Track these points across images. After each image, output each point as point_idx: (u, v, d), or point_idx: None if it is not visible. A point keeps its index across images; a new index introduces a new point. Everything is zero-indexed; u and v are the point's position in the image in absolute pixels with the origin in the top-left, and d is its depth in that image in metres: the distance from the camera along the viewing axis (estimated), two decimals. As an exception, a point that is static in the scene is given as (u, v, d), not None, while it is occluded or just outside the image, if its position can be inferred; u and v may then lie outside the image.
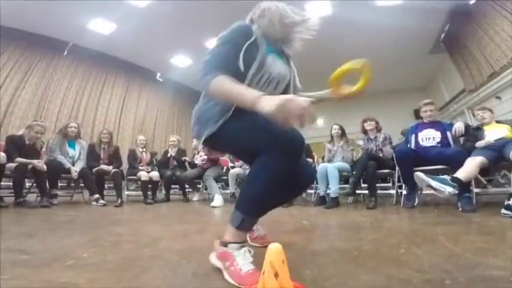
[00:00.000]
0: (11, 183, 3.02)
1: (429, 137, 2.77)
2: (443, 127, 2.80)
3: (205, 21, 6.21)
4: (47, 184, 3.15)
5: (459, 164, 2.21)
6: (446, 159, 2.48)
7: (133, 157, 4.20)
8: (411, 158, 2.66)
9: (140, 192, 3.96)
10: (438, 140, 2.72)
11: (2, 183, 2.97)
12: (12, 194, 2.96)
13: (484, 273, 0.80)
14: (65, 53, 6.90)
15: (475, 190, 2.49)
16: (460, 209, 2.22)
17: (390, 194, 3.29)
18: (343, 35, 6.41)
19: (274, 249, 0.60)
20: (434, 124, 2.85)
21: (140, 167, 4.08)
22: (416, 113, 8.52)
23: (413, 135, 2.88)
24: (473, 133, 2.79)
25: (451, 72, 6.81)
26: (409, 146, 2.91)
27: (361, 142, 3.39)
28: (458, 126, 2.65)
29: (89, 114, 7.27)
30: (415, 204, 2.68)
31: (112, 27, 6.33)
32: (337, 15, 5.85)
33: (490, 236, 1.32)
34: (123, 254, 1.10)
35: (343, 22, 5.97)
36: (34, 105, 6.23)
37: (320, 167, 3.38)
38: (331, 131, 3.73)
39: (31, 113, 6.08)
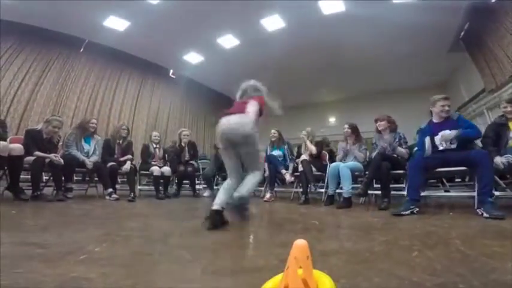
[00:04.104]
0: (29, 177, 3.13)
1: (448, 141, 2.51)
2: (457, 125, 2.54)
3: (217, 18, 6.23)
4: (63, 178, 3.24)
5: (482, 165, 2.13)
6: (468, 161, 2.31)
7: (146, 152, 4.27)
8: (423, 170, 2.50)
9: (152, 187, 4.04)
10: (455, 141, 2.49)
11: (20, 176, 3.06)
12: (30, 188, 3.06)
13: (499, 278, 0.77)
14: (81, 50, 7.07)
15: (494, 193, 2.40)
16: (486, 215, 1.94)
17: (403, 195, 3.20)
18: (357, 32, 6.29)
19: (300, 245, 0.60)
20: (447, 123, 2.58)
21: (153, 162, 4.14)
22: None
23: (428, 138, 2.60)
24: (495, 129, 2.64)
25: (470, 71, 6.59)
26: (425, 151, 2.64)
27: (386, 137, 3.21)
28: (445, 136, 2.46)
29: (104, 109, 7.45)
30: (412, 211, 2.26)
31: (126, 24, 6.43)
32: (351, 12, 5.75)
33: (508, 240, 1.27)
34: (134, 249, 1.12)
35: (356, 19, 5.87)
36: (52, 101, 6.43)
37: (331, 166, 3.33)
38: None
39: (49, 108, 6.29)
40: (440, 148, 2.51)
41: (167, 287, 0.74)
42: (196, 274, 0.84)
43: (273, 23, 6.42)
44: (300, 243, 0.60)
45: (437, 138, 2.56)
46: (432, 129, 2.64)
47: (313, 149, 3.88)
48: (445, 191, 3.52)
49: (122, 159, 3.81)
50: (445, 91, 8.51)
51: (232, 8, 5.74)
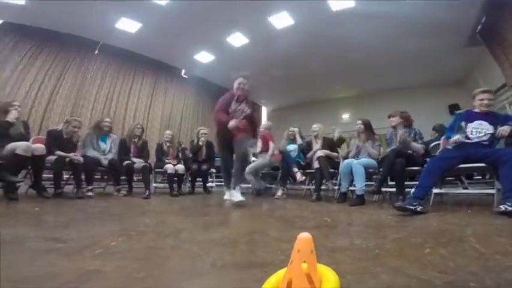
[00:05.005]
0: (51, 175, 3.27)
1: (480, 131, 2.42)
2: (497, 120, 2.42)
3: (225, 17, 6.25)
4: (84, 178, 3.38)
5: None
6: (495, 159, 2.18)
7: (160, 151, 4.38)
8: (440, 172, 2.41)
9: (167, 185, 4.13)
10: (489, 135, 2.39)
11: (43, 175, 3.20)
12: (52, 186, 3.20)
13: (512, 277, 0.75)
14: (96, 52, 7.27)
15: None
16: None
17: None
18: (368, 28, 6.16)
19: (304, 238, 0.59)
20: (487, 116, 2.46)
21: (167, 161, 4.23)
22: (451, 108, 8.04)
23: (463, 123, 2.52)
24: None
25: (489, 65, 6.33)
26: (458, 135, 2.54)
27: (403, 131, 3.17)
28: (504, 129, 2.31)
29: (120, 110, 7.65)
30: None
31: (137, 26, 6.56)
32: (360, 8, 5.62)
33: (526, 239, 1.23)
34: (147, 244, 1.16)
35: (367, 15, 5.74)
36: (71, 102, 6.67)
37: (344, 163, 3.29)
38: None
39: (68, 109, 6.53)
40: (474, 139, 2.41)
41: (176, 279, 0.77)
42: (205, 268, 0.86)
43: (281, 20, 6.37)
44: (304, 236, 0.59)
45: (470, 125, 2.47)
46: (468, 116, 2.54)
47: (335, 155, 3.88)
48: (464, 188, 3.41)
49: (134, 160, 3.92)
50: (463, 86, 8.24)
51: (240, 6, 5.75)
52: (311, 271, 0.58)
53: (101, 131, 3.75)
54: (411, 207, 2.09)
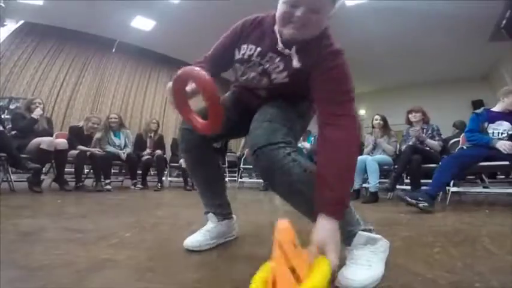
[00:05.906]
0: (73, 170, 3.43)
1: (501, 131, 2.36)
2: None
3: (238, 15, 6.21)
4: (101, 174, 3.49)
5: None
6: None
7: (175, 146, 4.48)
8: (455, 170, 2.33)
9: (181, 179, 4.23)
10: (509, 136, 2.32)
11: (65, 169, 3.35)
12: (74, 179, 3.35)
13: (520, 278, 0.73)
14: (113, 50, 7.47)
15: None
16: None
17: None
18: (386, 22, 5.95)
19: (281, 228, 0.49)
20: (507, 116, 2.40)
21: (181, 155, 4.32)
22: (475, 105, 7.69)
23: (486, 124, 2.44)
24: None
25: (516, 60, 6.02)
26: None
27: (416, 128, 3.07)
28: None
29: (137, 106, 7.84)
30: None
31: (152, 24, 6.67)
32: (376, 2, 5.44)
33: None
34: (159, 235, 1.22)
35: (385, 8, 5.54)
36: (91, 99, 6.91)
37: (358, 160, 3.24)
38: (372, 121, 3.55)
39: (88, 106, 6.76)
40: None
41: (183, 269, 0.80)
42: (211, 258, 0.90)
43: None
44: (282, 226, 0.49)
45: (490, 126, 2.40)
46: (489, 117, 2.45)
47: None
48: (484, 187, 3.27)
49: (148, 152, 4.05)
50: (488, 82, 7.87)
51: (253, 2, 5.72)
52: (293, 261, 0.49)
53: (110, 128, 3.87)
54: (412, 200, 2.02)
